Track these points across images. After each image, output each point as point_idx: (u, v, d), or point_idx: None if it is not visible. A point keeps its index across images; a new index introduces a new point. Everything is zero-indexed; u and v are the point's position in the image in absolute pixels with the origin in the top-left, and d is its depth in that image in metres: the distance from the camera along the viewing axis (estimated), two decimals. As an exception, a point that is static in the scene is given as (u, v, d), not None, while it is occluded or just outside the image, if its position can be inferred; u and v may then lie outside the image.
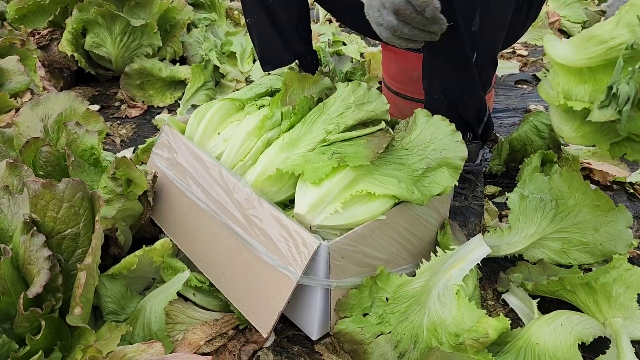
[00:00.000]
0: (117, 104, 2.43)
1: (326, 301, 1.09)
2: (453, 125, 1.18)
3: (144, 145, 1.78)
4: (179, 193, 1.30)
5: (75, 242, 0.94)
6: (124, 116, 2.32)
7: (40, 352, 0.82)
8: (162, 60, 2.59)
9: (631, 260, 1.47)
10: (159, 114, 2.36)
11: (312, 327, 1.13)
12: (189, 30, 2.78)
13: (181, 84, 2.50)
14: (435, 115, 1.20)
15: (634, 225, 1.54)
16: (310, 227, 1.06)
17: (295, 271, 1.01)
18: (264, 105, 1.30)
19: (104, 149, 2.05)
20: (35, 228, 0.89)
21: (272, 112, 1.24)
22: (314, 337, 1.14)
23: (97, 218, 0.92)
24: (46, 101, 1.35)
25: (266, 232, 1.07)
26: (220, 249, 1.18)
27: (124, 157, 1.24)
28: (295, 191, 1.13)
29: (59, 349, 0.87)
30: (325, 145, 1.17)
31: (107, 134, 2.14)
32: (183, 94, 2.42)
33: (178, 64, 2.62)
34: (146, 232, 1.45)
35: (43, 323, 0.83)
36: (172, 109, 2.40)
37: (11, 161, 1.02)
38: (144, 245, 1.25)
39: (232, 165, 1.23)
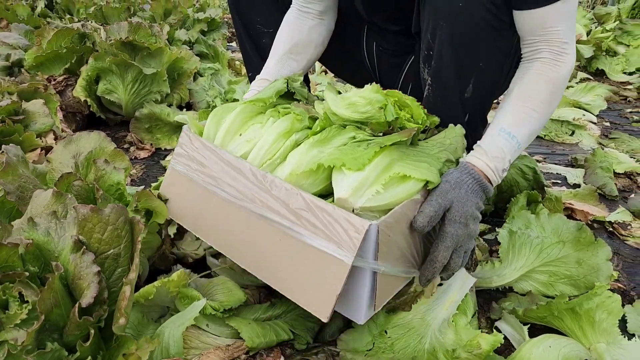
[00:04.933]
0: (126, 145, 2.56)
1: (373, 285, 1.12)
2: (463, 130, 1.35)
3: (156, 184, 1.88)
4: (206, 193, 1.33)
5: (117, 261, 1.05)
6: (133, 157, 2.44)
7: (89, 357, 0.92)
8: (169, 105, 2.73)
9: (612, 291, 1.59)
10: (166, 155, 2.48)
11: (360, 312, 1.15)
12: (195, 78, 2.94)
13: (187, 128, 2.63)
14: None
15: (613, 260, 1.67)
16: (353, 210, 1.11)
17: (347, 254, 1.05)
18: (288, 111, 1.38)
19: (117, 187, 2.16)
20: (85, 247, 1.00)
21: (301, 116, 1.34)
22: (361, 322, 1.16)
23: (138, 239, 1.03)
24: (78, 140, 1.47)
25: (312, 221, 1.11)
26: (263, 243, 1.22)
27: (145, 189, 1.35)
28: (325, 184, 1.21)
29: (101, 357, 0.97)
30: (356, 142, 1.22)
31: (118, 175, 2.25)
32: (189, 137, 2.55)
33: (184, 109, 2.77)
34: (161, 264, 1.54)
35: (92, 331, 0.93)
36: (178, 151, 2.52)
37: (57, 190, 1.14)
38: (160, 276, 1.33)
39: (260, 164, 1.27)
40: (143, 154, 2.48)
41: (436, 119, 1.41)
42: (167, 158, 2.42)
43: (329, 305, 1.08)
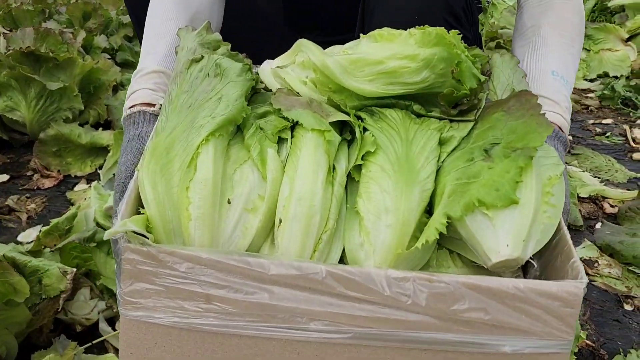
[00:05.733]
0: (29, 173, 2.22)
1: None
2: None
3: (47, 228, 1.57)
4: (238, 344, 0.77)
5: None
6: (35, 187, 2.11)
7: None
8: (85, 124, 2.42)
9: (580, 352, 1.37)
10: (76, 184, 2.16)
11: None
12: (115, 92, 2.62)
13: (104, 150, 2.32)
14: None
15: (581, 309, 1.44)
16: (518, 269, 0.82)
17: (564, 342, 0.74)
18: (280, 123, 0.85)
19: (7, 227, 1.84)
20: None
21: (323, 126, 0.81)
22: None
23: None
24: None
25: (476, 317, 0.74)
26: None
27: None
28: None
29: None
30: (461, 151, 0.82)
31: (12, 210, 1.93)
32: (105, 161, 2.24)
33: (101, 128, 2.45)
34: (38, 340, 1.27)
35: None
36: (91, 178, 2.20)
37: None
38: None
39: (299, 253, 0.77)
40: (48, 183, 2.15)
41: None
42: (77, 188, 2.11)
43: None
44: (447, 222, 0.73)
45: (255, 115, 0.84)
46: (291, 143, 0.82)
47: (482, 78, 0.86)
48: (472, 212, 0.74)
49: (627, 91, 3.12)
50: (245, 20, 1.50)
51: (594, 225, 1.94)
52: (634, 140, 2.70)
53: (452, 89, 0.85)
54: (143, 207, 0.77)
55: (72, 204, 1.98)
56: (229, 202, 0.77)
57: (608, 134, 2.79)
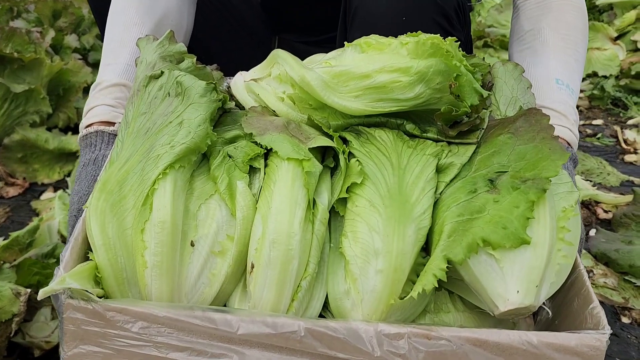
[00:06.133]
0: (-7, 181, 2.09)
1: None
2: None
3: (6, 242, 1.46)
4: None
5: None
6: (-1, 197, 1.99)
7: None
8: (54, 128, 2.30)
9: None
10: (43, 192, 2.04)
11: None
12: (86, 94, 2.49)
13: (73, 156, 2.19)
14: None
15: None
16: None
17: None
18: (253, 150, 0.73)
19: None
20: None
21: (303, 152, 0.70)
22: None
23: None
24: None
25: None
26: None
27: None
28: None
29: None
30: (456, 178, 0.73)
31: (-27, 221, 1.80)
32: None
33: (70, 132, 2.32)
34: None
35: None
36: (60, 186, 2.07)
37: None
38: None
39: (274, 304, 0.67)
40: (13, 191, 2.03)
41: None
42: (44, 196, 1.98)
43: None
44: (448, 266, 0.63)
45: (224, 140, 0.72)
46: (264, 173, 0.70)
47: (484, 93, 0.75)
48: (476, 253, 0.64)
49: (616, 91, 3.05)
50: (219, 20, 1.38)
51: (588, 233, 1.85)
52: (625, 141, 2.63)
53: (451, 106, 0.74)
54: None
55: (38, 214, 1.87)
56: (192, 244, 0.66)
57: (599, 135, 2.71)
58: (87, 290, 0.60)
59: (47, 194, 2.01)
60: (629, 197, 2.02)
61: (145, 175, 0.65)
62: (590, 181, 2.28)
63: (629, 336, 1.43)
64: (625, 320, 1.49)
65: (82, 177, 0.88)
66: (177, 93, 0.69)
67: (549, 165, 0.66)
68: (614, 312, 1.52)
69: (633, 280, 1.64)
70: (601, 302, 1.52)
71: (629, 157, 2.49)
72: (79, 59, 2.55)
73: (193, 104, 0.68)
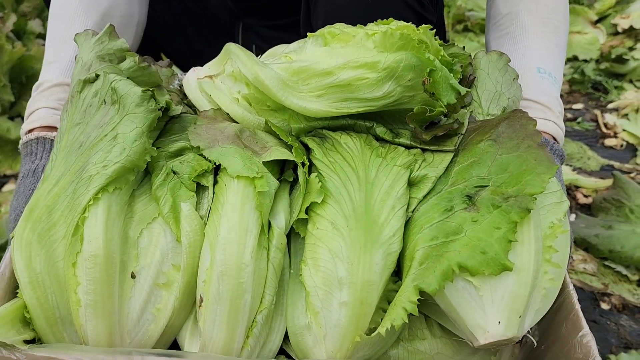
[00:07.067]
0: (-49, 175, 1.99)
1: None
2: None
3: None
4: None
5: None
6: (-42, 191, 1.89)
7: None
8: (16, 117, 2.20)
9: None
10: (5, 183, 1.95)
11: None
12: (51, 80, 2.39)
13: (39, 146, 2.10)
14: None
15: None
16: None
17: None
18: (200, 165, 0.65)
19: None
20: None
21: (262, 177, 0.61)
22: None
23: None
24: None
25: None
26: None
27: None
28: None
29: None
30: (431, 193, 0.65)
31: None
32: (40, 159, 2.03)
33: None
34: None
35: None
36: (25, 179, 1.98)
37: None
38: None
39: (226, 343, 0.58)
40: (-27, 185, 1.93)
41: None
42: (5, 188, 1.90)
43: None
44: (420, 298, 0.56)
45: (168, 154, 0.63)
46: (214, 192, 0.62)
47: (462, 90, 0.67)
48: (452, 282, 0.57)
49: (597, 75, 2.99)
50: (179, 6, 1.27)
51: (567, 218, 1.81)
52: (605, 125, 2.58)
53: (424, 105, 0.66)
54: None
55: (-1, 211, 1.78)
56: (133, 276, 0.57)
57: (579, 119, 2.66)
58: (5, 342, 0.51)
59: (10, 186, 1.93)
60: (608, 182, 1.98)
61: (77, 199, 0.56)
62: (571, 166, 2.23)
63: (608, 322, 1.38)
64: (604, 306, 1.45)
65: (20, 190, 0.79)
66: (113, 101, 0.60)
67: (534, 179, 0.58)
68: (593, 298, 1.47)
69: (612, 265, 1.60)
70: (580, 289, 1.48)
71: (609, 141, 2.45)
72: (43, 45, 2.43)
73: (129, 115, 0.59)
